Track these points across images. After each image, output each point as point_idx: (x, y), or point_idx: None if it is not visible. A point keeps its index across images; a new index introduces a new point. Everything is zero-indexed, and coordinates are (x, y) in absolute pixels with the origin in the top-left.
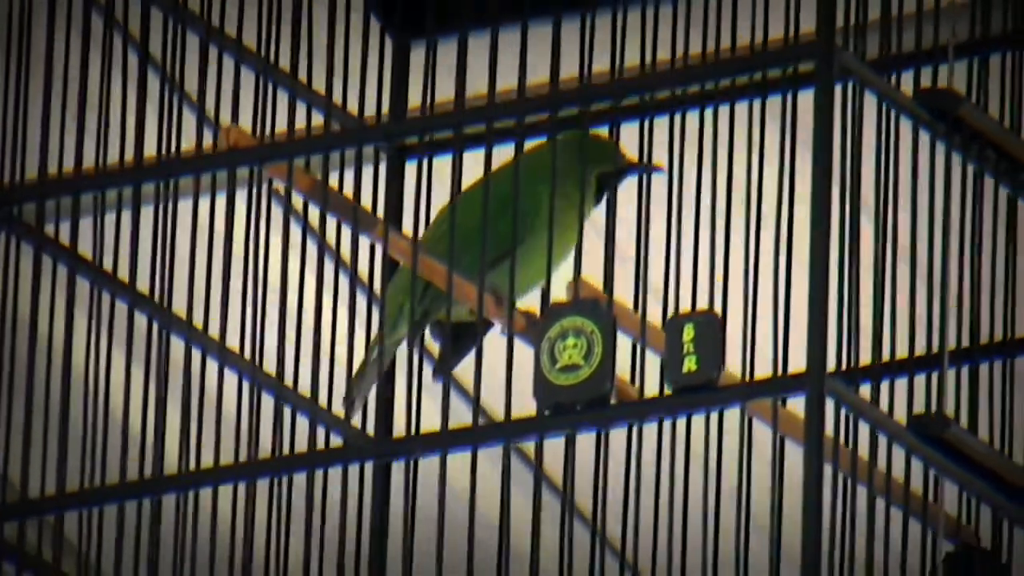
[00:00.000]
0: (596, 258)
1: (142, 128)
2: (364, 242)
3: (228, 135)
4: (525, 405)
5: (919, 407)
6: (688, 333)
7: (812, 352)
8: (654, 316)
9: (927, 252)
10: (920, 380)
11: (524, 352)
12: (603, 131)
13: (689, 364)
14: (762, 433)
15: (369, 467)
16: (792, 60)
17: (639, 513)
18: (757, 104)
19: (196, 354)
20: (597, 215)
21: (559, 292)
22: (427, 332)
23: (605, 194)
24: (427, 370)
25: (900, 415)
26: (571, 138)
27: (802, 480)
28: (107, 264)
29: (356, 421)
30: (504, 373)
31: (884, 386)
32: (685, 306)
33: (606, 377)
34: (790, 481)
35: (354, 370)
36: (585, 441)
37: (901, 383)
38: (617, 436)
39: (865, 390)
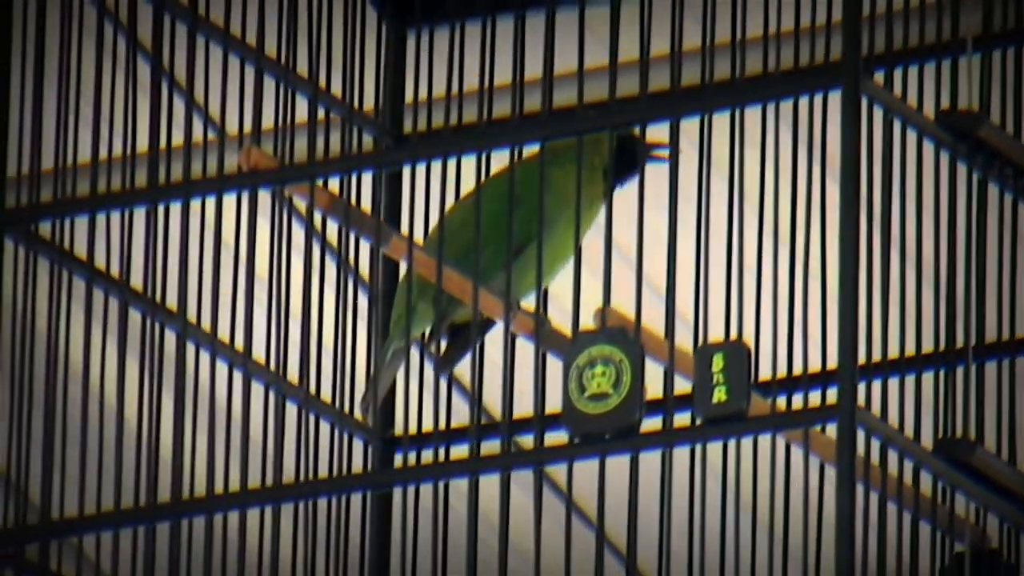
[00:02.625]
0: (626, 285)
1: (157, 140)
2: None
3: (249, 156)
4: (526, 407)
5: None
6: (717, 363)
7: (843, 385)
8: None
9: (947, 269)
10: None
11: (527, 353)
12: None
13: (719, 395)
14: (792, 458)
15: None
16: (817, 86)
17: (669, 541)
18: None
19: (220, 369)
20: (625, 240)
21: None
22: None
23: (622, 177)
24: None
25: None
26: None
27: (835, 506)
28: (119, 276)
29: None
30: (510, 376)
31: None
32: (712, 332)
33: (635, 406)
34: (814, 502)
35: (370, 375)
36: (613, 467)
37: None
38: (646, 463)
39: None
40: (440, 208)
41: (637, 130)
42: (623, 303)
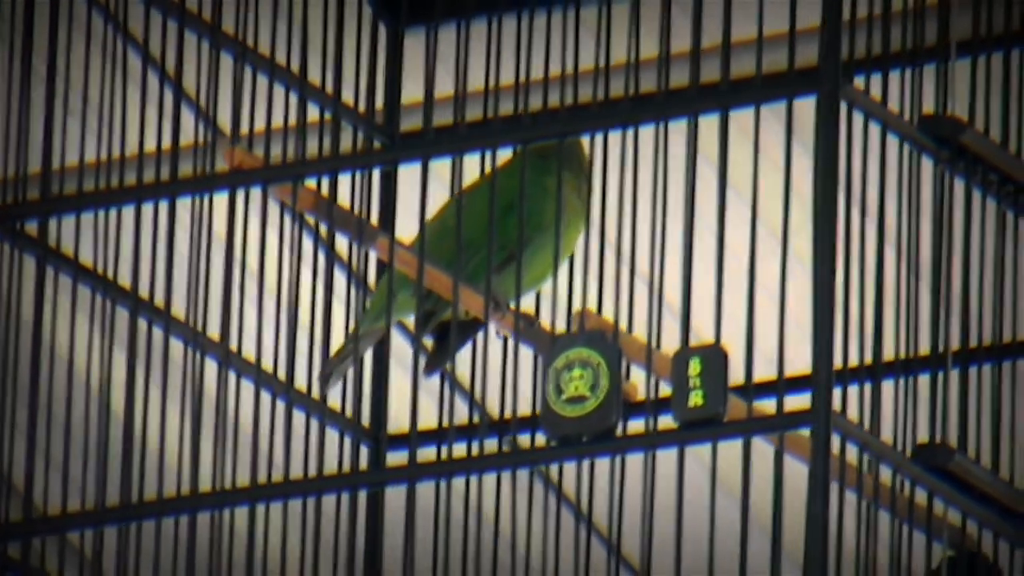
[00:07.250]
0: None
1: (143, 140)
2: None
3: (232, 156)
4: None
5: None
6: (695, 367)
7: (818, 389)
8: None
9: (930, 275)
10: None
11: (521, 355)
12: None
13: (695, 399)
14: (768, 458)
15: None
16: (796, 91)
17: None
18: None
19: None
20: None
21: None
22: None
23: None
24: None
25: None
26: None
27: (806, 510)
28: (110, 274)
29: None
30: (506, 373)
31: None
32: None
33: (612, 409)
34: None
35: (341, 358)
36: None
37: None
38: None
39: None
40: (424, 209)
41: None
42: (608, 305)
